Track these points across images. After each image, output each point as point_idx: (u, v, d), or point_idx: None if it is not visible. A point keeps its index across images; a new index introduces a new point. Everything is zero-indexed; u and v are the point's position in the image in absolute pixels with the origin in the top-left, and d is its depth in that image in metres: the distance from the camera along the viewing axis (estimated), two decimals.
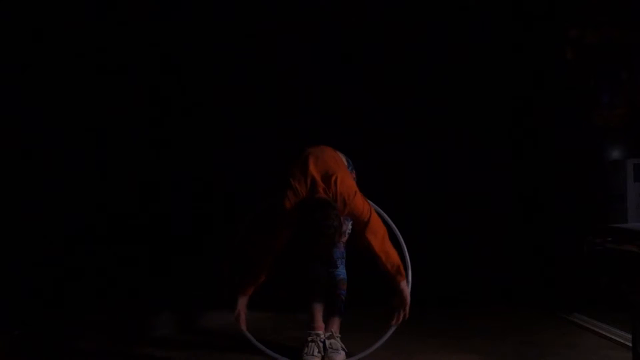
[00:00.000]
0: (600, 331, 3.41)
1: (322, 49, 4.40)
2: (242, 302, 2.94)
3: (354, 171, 3.21)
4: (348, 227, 3.10)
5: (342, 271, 3.13)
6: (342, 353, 3.08)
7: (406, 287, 2.93)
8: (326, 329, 3.12)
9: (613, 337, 3.28)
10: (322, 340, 3.09)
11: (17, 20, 3.77)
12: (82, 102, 3.97)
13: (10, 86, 3.75)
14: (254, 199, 3.79)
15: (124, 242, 4.02)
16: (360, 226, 2.90)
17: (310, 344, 3.08)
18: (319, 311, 3.13)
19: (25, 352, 3.25)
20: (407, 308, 2.90)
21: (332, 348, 3.07)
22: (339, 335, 3.13)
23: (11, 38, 3.76)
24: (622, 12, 3.92)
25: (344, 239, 3.12)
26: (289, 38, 4.32)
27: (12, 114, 3.75)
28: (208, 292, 3.72)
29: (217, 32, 4.26)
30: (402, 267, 2.93)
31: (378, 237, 2.89)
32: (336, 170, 2.88)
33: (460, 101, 4.35)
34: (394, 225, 3.11)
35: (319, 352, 3.07)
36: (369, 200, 2.96)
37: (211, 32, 4.25)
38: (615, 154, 4.02)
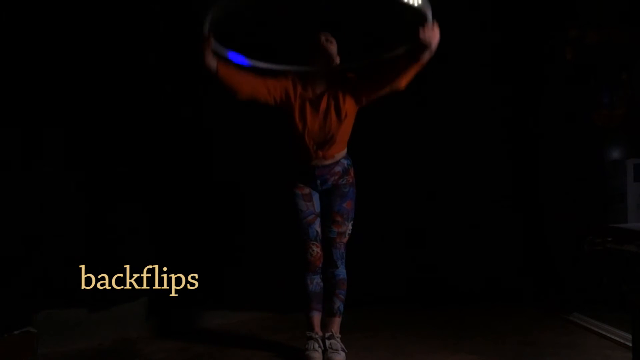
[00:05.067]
0: (600, 331, 3.41)
1: None
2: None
3: None
4: (349, 227, 3.12)
5: (342, 271, 3.13)
6: (342, 353, 3.08)
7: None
8: (326, 329, 3.13)
9: (613, 337, 3.28)
10: (320, 337, 3.13)
11: None
12: None
13: None
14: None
15: (123, 242, 4.01)
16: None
17: (310, 340, 3.13)
18: (317, 318, 3.17)
19: (22, 352, 3.25)
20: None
21: (332, 348, 3.07)
22: (339, 336, 3.13)
23: None
24: (622, 12, 3.92)
25: (345, 239, 3.13)
26: None
27: None
28: (208, 292, 3.72)
29: None
30: None
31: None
32: None
33: (459, 101, 4.34)
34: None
35: (319, 346, 3.11)
36: None
37: None
38: (615, 154, 4.02)
